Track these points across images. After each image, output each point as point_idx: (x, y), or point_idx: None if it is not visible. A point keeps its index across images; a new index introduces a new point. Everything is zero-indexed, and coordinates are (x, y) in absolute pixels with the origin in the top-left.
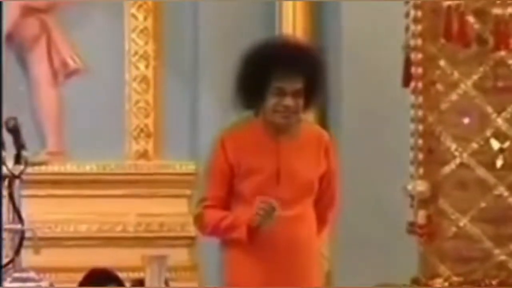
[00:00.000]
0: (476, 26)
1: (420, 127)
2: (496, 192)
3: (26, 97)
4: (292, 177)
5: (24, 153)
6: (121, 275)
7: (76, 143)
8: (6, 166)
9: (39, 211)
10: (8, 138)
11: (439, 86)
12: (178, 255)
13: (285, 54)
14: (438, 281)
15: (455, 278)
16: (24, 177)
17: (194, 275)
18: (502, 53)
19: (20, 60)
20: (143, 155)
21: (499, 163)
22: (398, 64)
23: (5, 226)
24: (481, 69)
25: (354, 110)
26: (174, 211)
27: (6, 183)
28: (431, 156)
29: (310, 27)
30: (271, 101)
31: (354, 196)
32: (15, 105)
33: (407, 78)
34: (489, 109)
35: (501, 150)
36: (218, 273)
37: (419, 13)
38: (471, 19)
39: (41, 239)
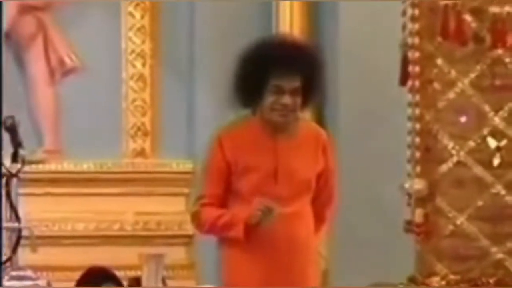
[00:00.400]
0: (473, 24)
1: (417, 126)
2: (493, 191)
3: (23, 95)
4: (289, 175)
5: (21, 151)
6: (119, 273)
7: (73, 142)
8: (3, 165)
9: (36, 209)
10: (5, 136)
11: (436, 85)
12: (176, 254)
13: (284, 52)
14: (435, 280)
15: (452, 277)
16: (21, 175)
17: (191, 274)
18: (499, 51)
19: (17, 59)
20: (140, 153)
21: (496, 161)
22: (395, 63)
23: (3, 224)
24: (478, 67)
25: (351, 108)
26: (171, 209)
27: (3, 181)
28: (428, 154)
29: (307, 27)
30: (269, 99)
31: (351, 194)
32: (12, 104)
33: (404, 77)
34: (486, 108)
35: (498, 149)
36: (215, 271)
37: (416, 12)
38: (468, 17)
39: (38, 237)
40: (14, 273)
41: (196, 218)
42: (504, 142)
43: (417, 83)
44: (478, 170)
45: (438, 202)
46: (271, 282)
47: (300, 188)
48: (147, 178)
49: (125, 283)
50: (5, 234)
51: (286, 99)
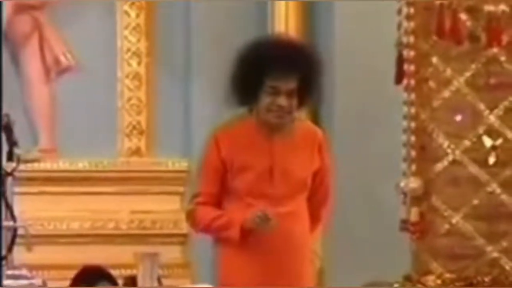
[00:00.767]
0: (469, 23)
1: (413, 124)
2: (489, 189)
3: (18, 94)
4: (285, 175)
5: (16, 150)
6: (114, 272)
7: (68, 140)
8: None
9: (31, 208)
10: None
11: (432, 83)
12: (171, 252)
13: (280, 53)
14: (431, 278)
15: (447, 275)
16: (16, 174)
17: (186, 272)
18: (495, 50)
19: (12, 57)
20: (136, 152)
21: (491, 160)
22: (391, 62)
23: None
24: (473, 66)
25: (347, 107)
26: (166, 208)
27: None
28: (423, 153)
29: (302, 26)
30: (265, 100)
31: (347, 193)
32: (7, 102)
33: (399, 75)
34: (482, 106)
35: (494, 147)
36: (210, 270)
37: (412, 10)
38: (463, 16)
39: (33, 236)
40: (9, 272)
41: (191, 216)
42: (499, 141)
43: (412, 81)
44: (474, 168)
45: (434, 201)
46: (267, 281)
47: (296, 187)
48: (143, 177)
49: (120, 282)
50: None
51: (282, 101)
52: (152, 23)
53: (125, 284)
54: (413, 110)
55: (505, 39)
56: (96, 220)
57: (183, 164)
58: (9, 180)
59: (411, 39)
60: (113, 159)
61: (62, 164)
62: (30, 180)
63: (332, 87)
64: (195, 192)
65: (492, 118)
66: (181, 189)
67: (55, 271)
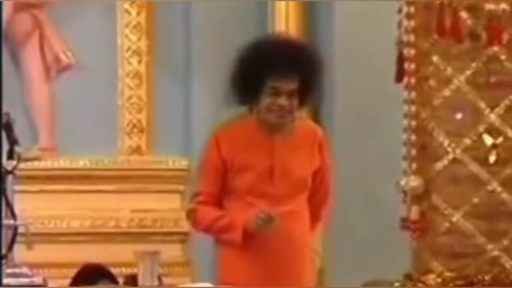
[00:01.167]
0: (469, 21)
1: (413, 123)
2: (489, 188)
3: (18, 92)
4: (285, 174)
5: (16, 148)
6: (114, 270)
7: (69, 139)
8: None
9: (32, 206)
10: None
11: (432, 82)
12: (171, 251)
13: (281, 54)
14: (431, 277)
15: (448, 274)
16: (17, 172)
17: (187, 271)
18: (495, 48)
19: (12, 56)
20: (136, 150)
21: (492, 158)
22: (391, 60)
23: (2, 222)
24: (474, 64)
25: (347, 106)
26: (167, 206)
27: None
28: (424, 151)
29: (303, 26)
30: (265, 100)
31: (347, 192)
32: (7, 101)
33: (400, 74)
34: (482, 105)
35: (494, 146)
36: (211, 268)
37: (412, 9)
38: (464, 14)
39: (34, 234)
40: (9, 271)
41: (192, 216)
42: (500, 139)
43: (412, 80)
44: (474, 167)
45: (434, 199)
46: (267, 280)
47: (296, 187)
48: (143, 175)
49: (120, 280)
50: None
51: (283, 101)
52: (153, 21)
53: (125, 283)
54: (413, 108)
55: (505, 37)
56: (97, 219)
57: (183, 163)
58: (9, 178)
59: (412, 37)
60: (113, 158)
61: (63, 163)
62: (31, 178)
63: (332, 86)
64: (195, 191)
65: (492, 117)
66: (181, 187)
67: (56, 269)
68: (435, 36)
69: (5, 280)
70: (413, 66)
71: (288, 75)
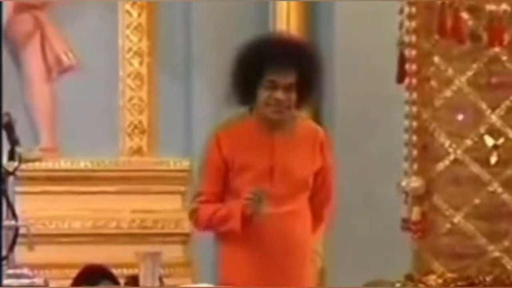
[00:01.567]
0: (470, 22)
1: (414, 124)
2: (490, 189)
3: (19, 93)
4: (286, 174)
5: (18, 149)
6: (115, 271)
7: (70, 140)
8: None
9: (33, 207)
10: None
11: (433, 83)
12: (172, 252)
13: (278, 48)
14: (432, 278)
15: (449, 275)
16: (18, 173)
17: (188, 272)
18: (496, 49)
19: (13, 57)
20: (137, 151)
21: (493, 159)
22: (392, 61)
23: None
24: (475, 65)
25: (348, 107)
26: (168, 207)
27: None
28: (425, 152)
29: (304, 25)
30: (263, 94)
31: (348, 192)
32: (8, 102)
33: (401, 75)
34: (483, 106)
35: (495, 147)
36: (212, 269)
37: (413, 10)
38: (465, 15)
39: (35, 235)
40: (10, 271)
41: (194, 215)
42: (501, 140)
43: (414, 81)
44: (475, 168)
45: (435, 200)
46: (268, 281)
47: (297, 187)
48: (144, 176)
49: (122, 281)
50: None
51: (280, 95)
52: (154, 22)
53: (126, 284)
54: (414, 109)
55: (506, 38)
56: (98, 220)
57: (184, 164)
58: (10, 179)
59: (413, 38)
60: (114, 159)
61: (64, 163)
62: (32, 179)
63: (333, 86)
64: (197, 192)
65: (493, 118)
66: (182, 188)
67: (57, 270)
68: (436, 36)
69: (6, 281)
70: (414, 67)
71: (285, 68)
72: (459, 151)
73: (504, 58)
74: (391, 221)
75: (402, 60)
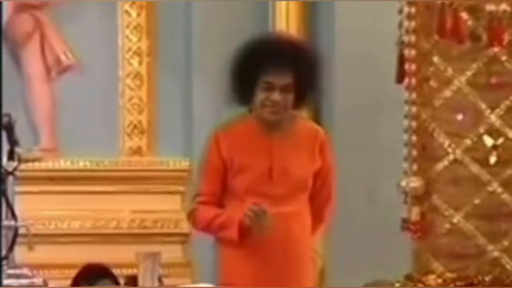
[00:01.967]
0: (470, 22)
1: (414, 124)
2: (490, 189)
3: (19, 93)
4: (284, 174)
5: (17, 149)
6: (115, 271)
7: (69, 140)
8: None
9: (32, 207)
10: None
11: (433, 83)
12: (172, 252)
13: (275, 49)
14: (432, 278)
15: (448, 275)
16: (17, 173)
17: (187, 272)
18: (496, 49)
19: (13, 57)
20: (137, 151)
21: (492, 159)
22: (392, 61)
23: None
24: (474, 65)
25: (348, 106)
26: (168, 207)
27: None
28: (424, 152)
29: (303, 25)
30: (260, 96)
31: (348, 192)
32: (8, 102)
33: (400, 75)
34: (483, 106)
35: (495, 147)
36: (211, 269)
37: (413, 10)
38: (464, 15)
39: (34, 235)
40: (10, 271)
41: (192, 216)
42: (500, 140)
43: (413, 81)
44: (475, 168)
45: (435, 200)
46: (268, 281)
47: (296, 187)
48: (144, 176)
49: (121, 281)
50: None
51: (276, 96)
52: (153, 22)
53: (126, 284)
54: (414, 109)
55: (506, 38)
56: (97, 220)
57: (184, 164)
58: (10, 179)
59: (412, 38)
60: (114, 159)
61: (63, 163)
62: (31, 179)
63: (333, 86)
64: (196, 192)
65: (493, 118)
66: (182, 188)
67: (56, 270)
68: (436, 37)
69: (6, 281)
70: (413, 67)
71: (282, 69)
72: (458, 151)
73: (504, 58)
74: (391, 221)
75: (401, 60)
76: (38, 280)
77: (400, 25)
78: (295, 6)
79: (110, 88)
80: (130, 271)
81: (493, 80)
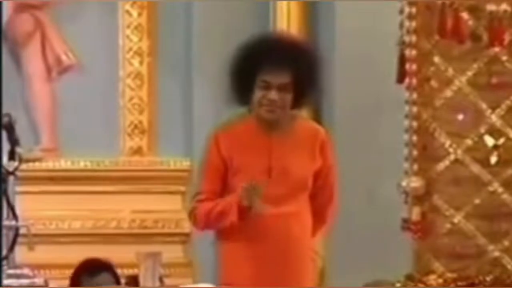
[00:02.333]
0: (470, 22)
1: (415, 124)
2: (491, 189)
3: (19, 93)
4: (284, 174)
5: (18, 149)
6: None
7: (70, 140)
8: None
9: (33, 207)
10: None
11: (434, 83)
12: (173, 252)
13: (272, 48)
14: (432, 278)
15: (449, 275)
16: (18, 173)
17: (188, 272)
18: (496, 49)
19: (13, 56)
20: (137, 151)
21: (493, 159)
22: (392, 61)
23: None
24: (475, 65)
25: (348, 106)
26: (168, 207)
27: None
28: (425, 152)
29: (304, 25)
30: (257, 94)
31: (348, 192)
32: (9, 102)
33: (401, 75)
34: (484, 106)
35: (495, 147)
36: (212, 269)
37: (414, 10)
38: (465, 15)
39: (35, 235)
40: (11, 271)
41: (193, 215)
42: (501, 140)
43: (414, 81)
44: (475, 168)
45: (435, 200)
46: (268, 281)
47: (295, 187)
48: (144, 176)
49: (122, 281)
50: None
51: (273, 95)
52: (154, 22)
53: (127, 284)
54: (415, 109)
55: (507, 38)
56: (98, 220)
57: (184, 163)
58: (10, 179)
59: (413, 38)
60: (114, 158)
61: (64, 163)
62: (32, 179)
63: (333, 86)
64: (196, 191)
65: (494, 118)
66: (182, 188)
67: (57, 270)
68: (437, 37)
69: (6, 281)
70: (414, 67)
71: (279, 68)
72: (459, 151)
73: (504, 58)
74: (392, 221)
75: (402, 60)
76: (38, 280)
77: (401, 25)
78: (296, 6)
79: (110, 88)
80: (131, 271)
81: (494, 80)
